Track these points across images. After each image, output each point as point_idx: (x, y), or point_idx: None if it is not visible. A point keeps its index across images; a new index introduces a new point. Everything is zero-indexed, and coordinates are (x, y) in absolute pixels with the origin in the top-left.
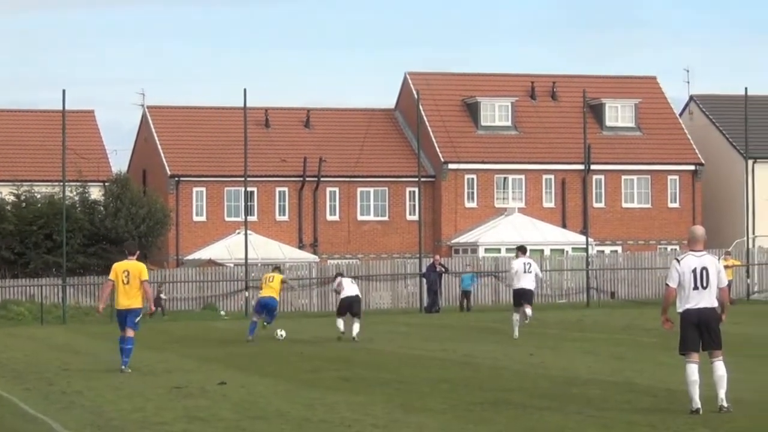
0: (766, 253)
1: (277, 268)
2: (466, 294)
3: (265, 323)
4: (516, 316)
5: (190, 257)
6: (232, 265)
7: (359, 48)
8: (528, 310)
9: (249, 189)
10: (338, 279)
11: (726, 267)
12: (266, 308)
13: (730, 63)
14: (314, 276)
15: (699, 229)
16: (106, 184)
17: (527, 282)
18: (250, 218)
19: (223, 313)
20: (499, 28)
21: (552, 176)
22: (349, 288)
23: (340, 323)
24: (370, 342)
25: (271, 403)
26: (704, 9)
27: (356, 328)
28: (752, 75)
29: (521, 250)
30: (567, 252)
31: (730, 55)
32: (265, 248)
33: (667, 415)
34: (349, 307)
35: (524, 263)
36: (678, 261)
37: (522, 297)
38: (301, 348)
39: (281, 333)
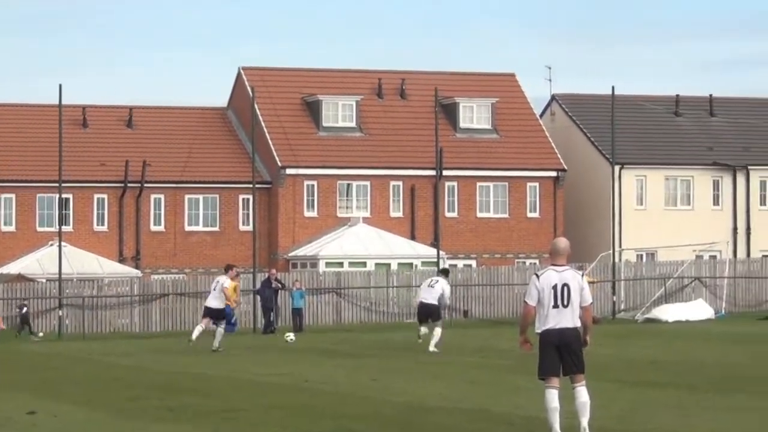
0: (634, 268)
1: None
2: (297, 312)
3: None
4: (423, 329)
5: None
6: (44, 280)
7: (188, 41)
8: (423, 329)
9: (64, 196)
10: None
11: None
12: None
13: (594, 60)
14: (136, 293)
15: (562, 242)
16: None
17: (428, 296)
18: (64, 228)
19: (41, 334)
20: (342, 18)
21: (400, 183)
22: (211, 298)
23: (198, 329)
24: (196, 366)
25: None
26: (567, 2)
27: (218, 335)
28: (619, 73)
29: (443, 272)
30: (416, 266)
31: (594, 52)
32: (82, 261)
33: None
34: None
35: (432, 279)
36: (537, 276)
37: (423, 312)
38: (120, 373)
39: (291, 337)
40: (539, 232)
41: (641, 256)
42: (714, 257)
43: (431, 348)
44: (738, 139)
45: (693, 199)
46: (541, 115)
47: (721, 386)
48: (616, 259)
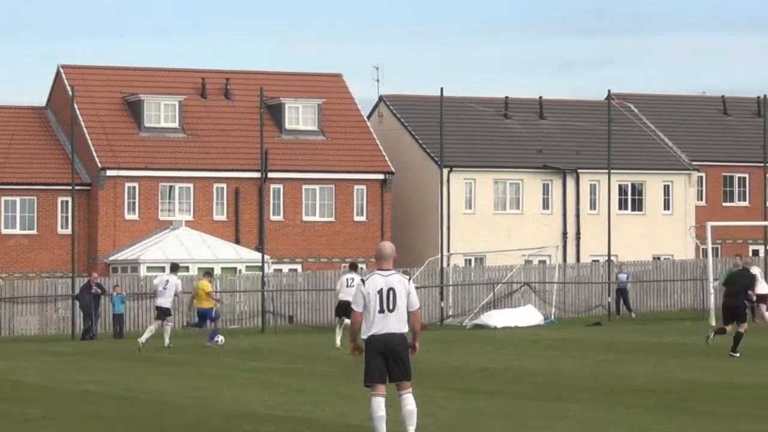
0: (462, 273)
1: (207, 273)
2: (118, 318)
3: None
4: (342, 324)
5: None
6: None
7: (4, 37)
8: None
9: None
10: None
11: None
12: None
13: (423, 61)
14: None
15: (387, 246)
16: None
17: (349, 294)
18: None
19: None
20: (164, 15)
21: (224, 185)
22: (162, 298)
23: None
24: (13, 372)
25: None
26: (395, 1)
27: (167, 332)
28: (448, 74)
29: (352, 267)
30: (240, 271)
31: (423, 53)
32: None
33: None
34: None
35: (347, 278)
36: (363, 282)
37: (343, 309)
38: None
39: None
40: (366, 236)
41: (470, 260)
42: (543, 262)
43: (338, 344)
44: (568, 143)
45: (522, 203)
46: (369, 117)
47: (549, 394)
48: (444, 264)
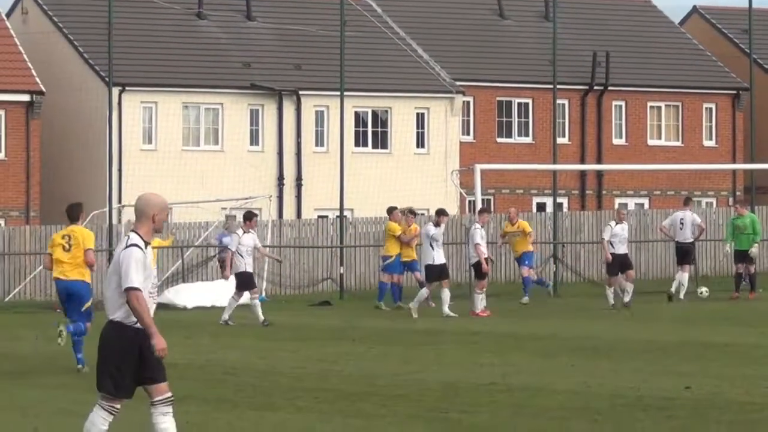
0: None
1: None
2: None
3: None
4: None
5: None
6: None
7: None
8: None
9: None
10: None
11: None
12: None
13: None
14: None
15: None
16: None
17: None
18: None
19: None
20: None
21: None
22: None
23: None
24: None
25: None
26: None
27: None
28: None
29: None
30: None
31: None
32: None
33: None
34: None
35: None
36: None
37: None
38: None
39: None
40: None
41: None
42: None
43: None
44: (286, 53)
45: (222, 137)
46: (9, 15)
47: (260, 399)
48: (115, 221)
